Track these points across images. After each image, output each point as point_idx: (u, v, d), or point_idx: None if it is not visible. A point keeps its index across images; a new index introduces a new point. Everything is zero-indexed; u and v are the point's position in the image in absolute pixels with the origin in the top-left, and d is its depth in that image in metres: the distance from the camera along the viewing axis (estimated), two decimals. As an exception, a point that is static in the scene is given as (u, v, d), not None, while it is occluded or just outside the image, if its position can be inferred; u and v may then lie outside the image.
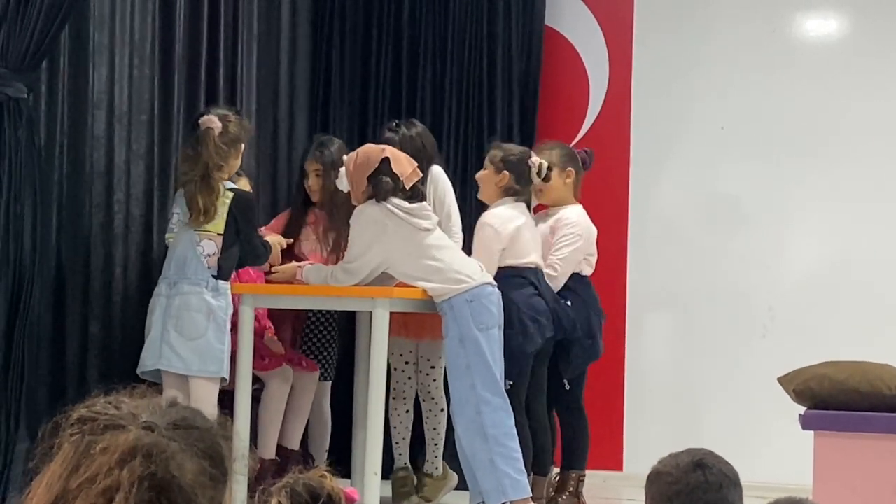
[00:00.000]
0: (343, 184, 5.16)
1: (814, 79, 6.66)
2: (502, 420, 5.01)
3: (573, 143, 6.46)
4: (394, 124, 5.72)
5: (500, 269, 5.36)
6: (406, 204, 5.05)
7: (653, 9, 6.89)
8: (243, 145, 5.22)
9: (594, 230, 5.74)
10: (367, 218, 5.08)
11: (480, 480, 5.03)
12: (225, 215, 5.08)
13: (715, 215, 6.78)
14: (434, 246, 5.09)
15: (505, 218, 5.41)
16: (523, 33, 6.77)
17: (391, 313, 5.17)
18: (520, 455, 5.04)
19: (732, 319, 6.69)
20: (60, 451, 1.67)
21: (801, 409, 4.46)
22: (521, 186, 5.49)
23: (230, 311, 5.10)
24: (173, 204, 5.23)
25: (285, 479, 1.95)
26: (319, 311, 5.92)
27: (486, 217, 5.47)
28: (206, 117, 5.15)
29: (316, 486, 1.84)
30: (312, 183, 5.73)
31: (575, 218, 5.66)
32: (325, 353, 5.97)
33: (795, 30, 6.77)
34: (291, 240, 5.72)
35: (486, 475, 5.00)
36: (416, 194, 5.13)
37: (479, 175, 5.59)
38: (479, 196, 5.64)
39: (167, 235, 5.20)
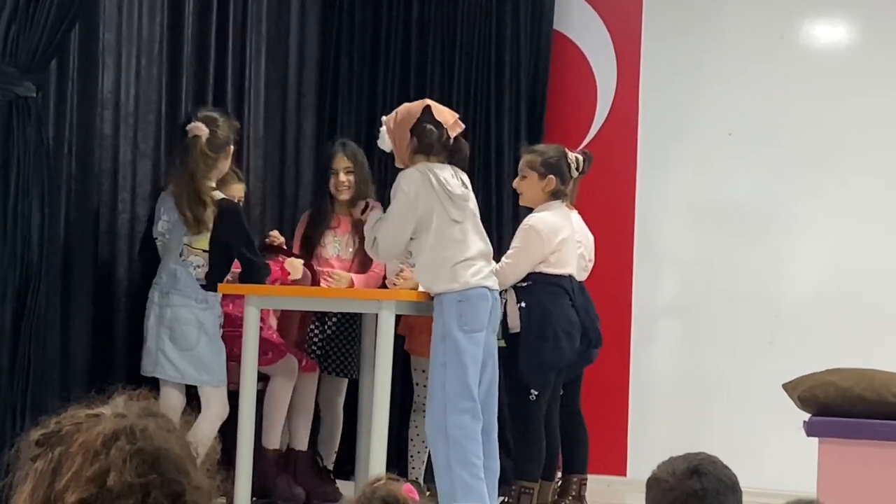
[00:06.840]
0: (385, 143, 5.02)
1: (822, 85, 6.65)
2: (466, 423, 4.85)
3: (580, 146, 6.45)
4: None
5: (537, 275, 5.34)
6: (450, 182, 4.89)
7: (661, 14, 6.89)
8: (232, 147, 5.24)
9: (591, 237, 5.69)
10: (408, 180, 4.90)
11: (437, 482, 4.93)
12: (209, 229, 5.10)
13: (722, 222, 6.77)
14: (452, 239, 4.93)
15: (554, 228, 5.37)
16: (531, 37, 6.77)
17: (421, 334, 5.11)
18: (479, 461, 4.85)
19: (738, 326, 6.68)
20: (31, 472, 1.62)
21: (806, 416, 4.45)
22: (564, 186, 5.50)
23: (220, 321, 5.18)
24: (158, 205, 5.25)
25: (360, 493, 2.25)
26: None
27: (535, 222, 5.40)
28: (193, 124, 5.14)
29: (390, 496, 2.19)
30: (344, 179, 5.74)
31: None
32: (350, 351, 5.95)
33: (804, 36, 6.76)
34: (302, 261, 5.69)
35: (442, 476, 4.88)
36: (459, 148, 5.00)
37: (521, 183, 5.52)
38: (522, 202, 5.59)
39: (158, 241, 5.25)
